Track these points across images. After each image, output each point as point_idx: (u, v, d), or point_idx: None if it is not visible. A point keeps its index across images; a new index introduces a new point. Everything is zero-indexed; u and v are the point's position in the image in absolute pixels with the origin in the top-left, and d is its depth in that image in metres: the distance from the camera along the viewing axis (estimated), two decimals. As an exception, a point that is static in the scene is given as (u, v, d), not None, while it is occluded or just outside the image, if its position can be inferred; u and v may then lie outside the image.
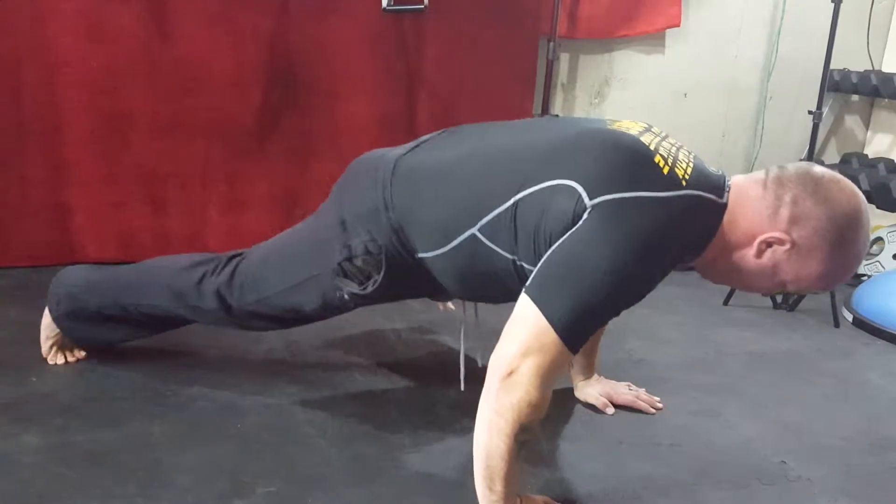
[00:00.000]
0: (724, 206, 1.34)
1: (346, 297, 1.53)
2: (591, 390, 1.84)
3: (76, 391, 1.70)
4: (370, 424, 1.66)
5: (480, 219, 1.38)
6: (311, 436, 1.60)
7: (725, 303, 2.65)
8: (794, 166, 1.35)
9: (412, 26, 2.71)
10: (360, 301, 1.55)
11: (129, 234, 2.53)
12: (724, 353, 2.26)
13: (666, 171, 1.29)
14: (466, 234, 1.40)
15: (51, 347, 1.82)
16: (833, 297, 2.55)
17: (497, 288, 1.45)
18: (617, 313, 1.29)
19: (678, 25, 3.15)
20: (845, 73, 3.33)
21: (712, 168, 1.40)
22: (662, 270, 1.32)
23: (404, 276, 1.50)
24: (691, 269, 1.44)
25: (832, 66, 2.62)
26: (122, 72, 2.42)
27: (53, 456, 1.45)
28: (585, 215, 1.25)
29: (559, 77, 3.11)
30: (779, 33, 3.34)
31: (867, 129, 3.69)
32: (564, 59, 3.09)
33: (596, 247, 1.23)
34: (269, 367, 1.89)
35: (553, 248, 1.26)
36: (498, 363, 1.22)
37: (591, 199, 1.25)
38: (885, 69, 3.46)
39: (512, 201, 1.34)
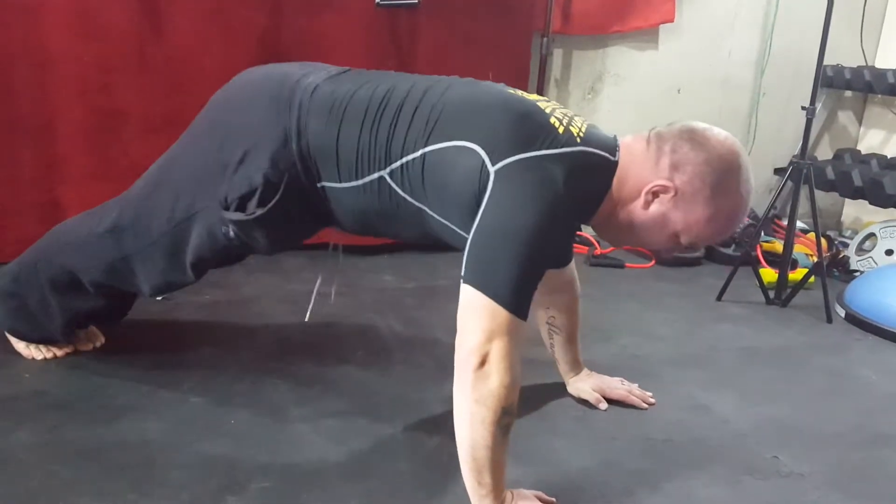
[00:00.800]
0: (616, 163, 1.42)
1: (231, 233, 1.53)
2: (584, 385, 1.84)
3: (69, 388, 1.70)
4: (363, 420, 1.66)
5: (390, 163, 1.43)
6: (304, 432, 1.60)
7: (718, 298, 2.66)
8: (673, 124, 1.42)
9: (405, 22, 2.70)
10: (245, 238, 1.54)
11: (122, 231, 2.52)
12: (717, 348, 2.26)
13: (561, 130, 1.37)
14: (375, 174, 1.45)
15: (26, 346, 1.82)
16: (826, 292, 2.56)
17: (392, 227, 1.54)
18: (547, 267, 1.38)
19: (672, 21, 3.16)
20: (838, 69, 3.34)
21: (605, 131, 1.47)
22: (571, 221, 1.43)
23: (297, 207, 1.51)
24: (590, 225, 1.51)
25: (825, 62, 2.62)
26: (114, 68, 2.40)
27: (46, 453, 1.45)
28: (490, 183, 1.31)
29: (553, 72, 3.11)
30: (772, 29, 3.35)
31: (860, 124, 3.71)
32: (558, 54, 3.10)
33: (507, 213, 1.29)
34: (261, 363, 1.89)
35: (473, 230, 1.31)
36: (466, 356, 1.25)
37: (493, 164, 1.31)
38: (879, 65, 3.47)
39: (420, 153, 1.40)
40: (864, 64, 3.44)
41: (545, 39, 2.87)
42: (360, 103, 1.46)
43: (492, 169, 1.31)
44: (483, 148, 1.33)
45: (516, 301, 1.26)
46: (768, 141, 3.48)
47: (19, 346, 1.81)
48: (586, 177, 1.37)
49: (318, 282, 1.87)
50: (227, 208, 1.51)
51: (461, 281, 1.29)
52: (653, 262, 2.96)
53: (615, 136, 1.46)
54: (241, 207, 1.50)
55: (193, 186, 1.57)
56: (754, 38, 3.38)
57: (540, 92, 2.91)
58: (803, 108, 2.61)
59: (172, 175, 1.63)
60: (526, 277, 1.28)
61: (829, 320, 2.56)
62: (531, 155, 1.32)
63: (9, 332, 1.82)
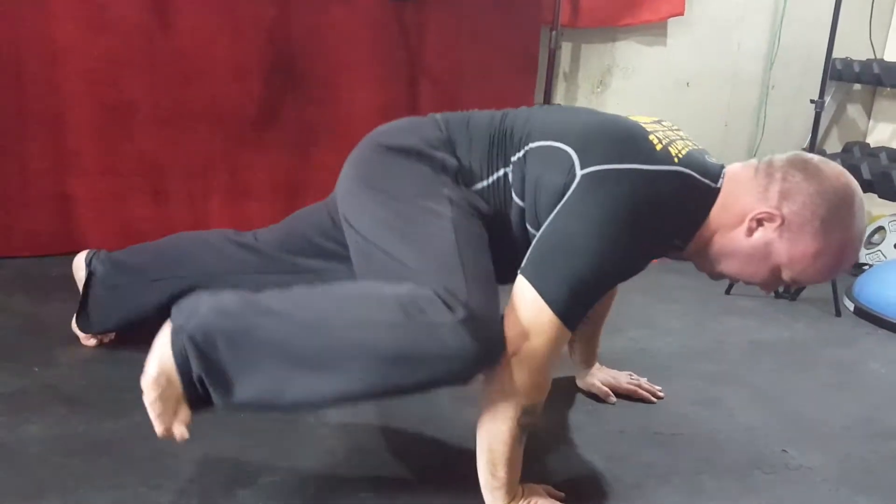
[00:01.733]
0: (718, 190, 1.34)
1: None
2: (593, 379, 1.84)
3: (79, 382, 1.70)
4: (372, 414, 1.67)
5: (508, 160, 1.39)
6: (313, 426, 1.60)
7: (727, 292, 2.65)
8: (786, 154, 1.36)
9: (414, 15, 2.70)
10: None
11: (131, 225, 2.53)
12: (726, 342, 2.26)
13: (659, 148, 1.31)
14: (500, 171, 1.40)
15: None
16: (834, 286, 2.55)
17: (504, 251, 1.39)
18: (611, 287, 1.32)
19: (681, 14, 3.14)
20: (847, 62, 3.32)
21: (713, 158, 1.40)
22: (653, 244, 1.32)
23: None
24: (684, 259, 1.43)
25: (834, 55, 2.61)
26: (123, 61, 2.41)
27: (56, 446, 1.46)
28: (574, 185, 1.27)
29: (561, 66, 3.10)
30: (781, 22, 3.33)
31: (869, 118, 3.69)
32: (566, 48, 3.09)
33: (584, 220, 1.24)
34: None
35: (544, 226, 1.28)
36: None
37: (581, 168, 1.28)
38: (888, 58, 3.45)
39: (523, 150, 1.38)
40: (873, 57, 3.41)
41: (553, 33, 2.86)
42: (483, 117, 1.49)
43: (579, 172, 1.28)
44: (575, 150, 1.30)
45: (567, 310, 1.22)
46: (777, 134, 3.46)
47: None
48: (680, 200, 1.30)
49: None
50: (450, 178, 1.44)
51: (519, 271, 1.26)
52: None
53: (721, 165, 1.38)
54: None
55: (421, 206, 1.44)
56: (763, 31, 3.36)
57: (548, 86, 2.90)
58: (812, 101, 2.60)
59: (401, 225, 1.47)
60: (586, 290, 1.24)
61: (838, 314, 2.55)
62: (621, 167, 1.26)
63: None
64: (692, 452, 1.62)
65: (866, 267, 2.99)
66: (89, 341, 1.85)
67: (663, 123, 1.42)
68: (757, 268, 1.34)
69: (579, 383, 1.86)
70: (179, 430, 1.24)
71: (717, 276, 1.43)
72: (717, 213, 1.33)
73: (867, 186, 3.10)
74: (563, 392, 1.84)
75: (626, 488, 1.47)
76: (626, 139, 1.31)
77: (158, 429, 1.24)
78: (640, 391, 1.83)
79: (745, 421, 1.78)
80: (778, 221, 1.29)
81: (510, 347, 1.21)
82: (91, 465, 1.40)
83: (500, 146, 1.41)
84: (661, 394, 1.85)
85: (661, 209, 1.27)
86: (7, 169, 2.36)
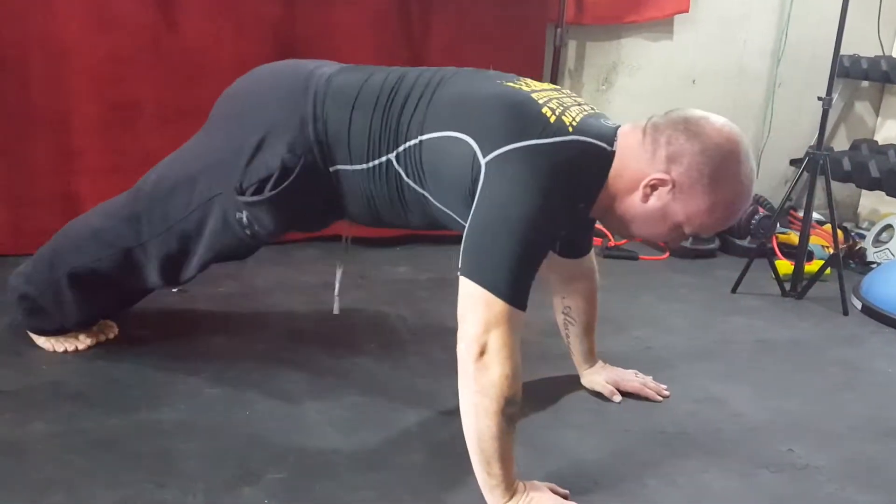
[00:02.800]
0: (612, 153, 1.40)
1: (244, 219, 1.56)
2: (598, 378, 1.84)
3: (85, 379, 1.71)
4: (376, 411, 1.67)
5: (397, 147, 1.46)
6: (318, 423, 1.61)
7: (733, 290, 2.64)
8: (671, 112, 1.41)
9: (418, 13, 2.70)
10: (255, 224, 1.57)
11: (137, 223, 2.54)
12: (732, 340, 2.25)
13: (553, 119, 1.36)
14: (384, 157, 1.48)
15: (46, 340, 1.83)
16: (842, 284, 2.54)
17: (399, 215, 1.56)
18: (543, 255, 1.37)
19: (687, 11, 3.13)
20: (855, 59, 3.31)
21: (608, 121, 1.45)
22: (565, 209, 1.38)
23: (310, 189, 1.53)
24: (593, 219, 1.54)
25: (842, 52, 2.59)
26: (129, 60, 2.41)
27: (62, 443, 1.46)
28: (482, 175, 1.33)
29: (566, 63, 3.10)
30: (788, 19, 3.31)
31: (877, 115, 3.67)
32: (572, 45, 3.08)
33: (499, 204, 1.30)
34: (275, 354, 1.90)
35: (468, 224, 1.32)
36: (466, 347, 1.27)
37: (484, 156, 1.33)
38: (896, 55, 3.44)
39: (418, 139, 1.43)
40: (881, 54, 3.40)
41: (559, 30, 2.85)
42: (372, 89, 1.51)
43: (483, 160, 1.33)
44: (474, 139, 1.35)
45: (512, 291, 1.27)
46: (784, 132, 3.45)
47: (40, 340, 1.83)
48: (578, 166, 1.36)
49: (340, 273, 1.89)
50: (242, 193, 1.53)
51: (458, 273, 1.30)
52: (667, 254, 2.94)
53: (615, 126, 1.44)
54: (257, 192, 1.52)
55: (210, 174, 1.59)
56: (770, 28, 3.35)
57: (553, 83, 2.90)
58: (819, 98, 2.58)
59: (189, 165, 1.65)
60: (521, 267, 1.29)
61: (846, 312, 2.54)
62: (520, 145, 1.32)
63: (29, 330, 1.83)
64: (697, 451, 1.62)
65: (874, 265, 2.98)
66: (82, 343, 1.85)
67: (561, 90, 1.48)
68: (658, 228, 1.43)
69: (584, 382, 1.86)
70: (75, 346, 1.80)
71: (625, 236, 1.53)
72: (613, 178, 1.40)
73: (875, 184, 3.09)
74: (568, 390, 1.84)
75: (630, 487, 1.47)
76: (520, 116, 1.36)
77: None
78: (646, 390, 1.83)
79: (750, 420, 1.78)
80: (669, 185, 1.36)
81: (477, 346, 1.25)
82: (97, 462, 1.41)
83: (385, 132, 1.47)
84: (666, 392, 1.85)
85: (563, 176, 1.33)
86: (13, 167, 2.37)
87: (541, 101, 1.40)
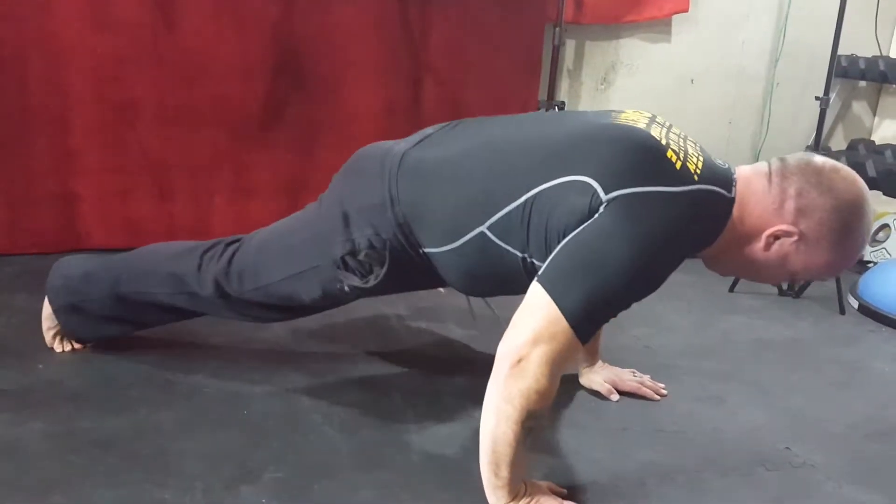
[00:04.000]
0: (733, 200, 1.35)
1: (346, 289, 1.52)
2: (596, 377, 1.84)
3: (83, 378, 1.71)
4: (375, 411, 1.67)
5: (490, 217, 1.38)
6: (316, 423, 1.61)
7: (731, 290, 2.65)
8: (795, 157, 1.37)
9: (418, 13, 2.70)
10: (361, 293, 1.54)
11: (136, 223, 2.54)
12: (730, 339, 2.26)
13: (679, 165, 1.30)
14: (475, 231, 1.39)
15: (54, 336, 1.82)
16: (839, 284, 2.54)
17: (504, 285, 1.47)
18: (628, 306, 1.30)
19: (686, 11, 3.13)
20: (853, 59, 3.31)
21: (718, 161, 1.40)
22: (676, 262, 1.33)
23: (407, 270, 1.50)
24: (697, 258, 1.45)
25: (840, 52, 2.60)
26: (128, 60, 2.41)
27: (60, 443, 1.46)
28: (602, 209, 1.26)
29: (565, 63, 3.10)
30: (786, 19, 3.32)
31: (874, 115, 3.67)
32: (570, 45, 3.08)
33: (612, 240, 1.24)
34: (274, 354, 1.90)
35: (567, 238, 1.27)
36: (507, 350, 1.22)
37: (606, 193, 1.26)
38: (893, 55, 3.44)
39: (523, 199, 1.34)
40: (878, 54, 3.40)
41: (557, 30, 2.85)
42: (450, 160, 1.44)
43: (604, 197, 1.26)
44: (595, 179, 1.27)
45: (583, 322, 1.22)
46: (782, 131, 3.45)
47: (48, 334, 1.82)
48: (702, 216, 1.32)
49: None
50: (340, 267, 1.50)
51: (535, 279, 1.26)
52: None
53: (730, 168, 1.39)
54: (350, 268, 1.49)
55: (310, 247, 1.55)
56: (768, 27, 3.35)
57: (552, 83, 2.90)
58: (817, 98, 2.59)
59: (294, 236, 1.60)
60: (603, 306, 1.25)
61: (843, 312, 2.54)
62: (647, 190, 1.26)
63: (57, 323, 1.80)
64: (695, 450, 1.62)
65: (871, 265, 2.98)
66: (79, 344, 1.84)
67: (658, 121, 1.42)
68: (773, 274, 1.42)
69: (582, 381, 1.86)
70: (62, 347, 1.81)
71: (728, 276, 1.51)
72: (734, 224, 1.35)
73: (872, 184, 3.09)
74: (566, 389, 1.84)
75: (628, 486, 1.47)
76: (646, 158, 1.30)
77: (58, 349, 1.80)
78: (644, 389, 1.83)
79: (748, 419, 1.78)
80: (795, 237, 1.33)
81: (519, 351, 1.21)
82: (95, 462, 1.41)
83: (472, 205, 1.39)
84: (664, 391, 1.85)
85: (686, 229, 1.29)
86: (12, 167, 2.37)
87: (663, 142, 1.33)
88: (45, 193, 2.42)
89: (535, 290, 1.24)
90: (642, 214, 1.25)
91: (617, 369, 1.88)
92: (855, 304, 2.59)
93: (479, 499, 1.33)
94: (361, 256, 1.48)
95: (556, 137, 1.39)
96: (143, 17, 2.40)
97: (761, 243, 1.35)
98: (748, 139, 3.45)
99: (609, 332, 1.88)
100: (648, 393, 1.83)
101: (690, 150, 1.36)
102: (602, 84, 3.18)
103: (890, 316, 2.45)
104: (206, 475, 1.40)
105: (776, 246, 1.35)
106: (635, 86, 3.20)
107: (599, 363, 1.87)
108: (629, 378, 1.85)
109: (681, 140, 1.38)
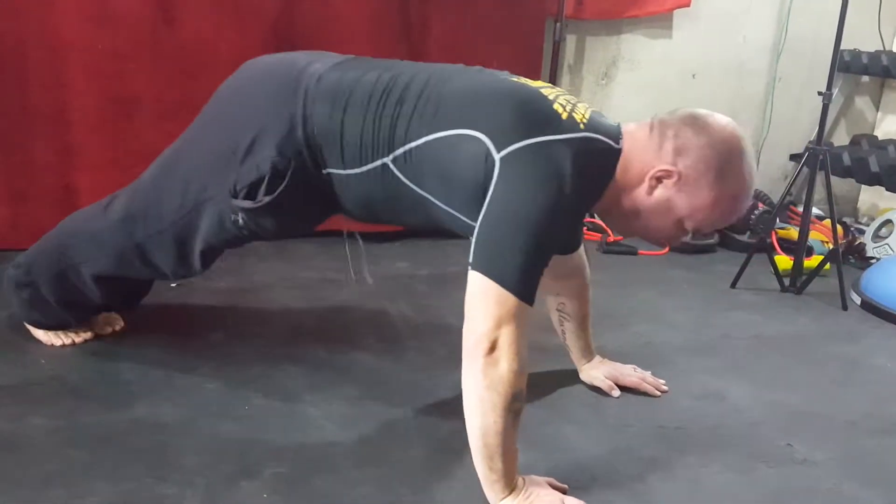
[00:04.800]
0: (619, 150, 1.41)
1: (240, 221, 1.54)
2: (597, 373, 1.84)
3: (84, 373, 1.71)
4: (375, 406, 1.67)
5: (393, 150, 1.43)
6: (317, 417, 1.61)
7: (733, 286, 2.64)
8: (677, 110, 1.42)
9: (418, 7, 2.69)
10: (253, 226, 1.54)
11: (136, 218, 2.54)
12: (731, 336, 2.25)
13: (565, 116, 1.37)
14: (379, 161, 1.45)
15: (45, 333, 1.83)
16: (841, 280, 2.54)
17: (395, 215, 1.56)
18: (552, 253, 1.36)
19: (687, 6, 3.13)
20: (856, 54, 3.30)
21: (609, 119, 1.46)
22: (577, 205, 1.38)
23: (305, 195, 1.52)
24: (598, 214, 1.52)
25: (842, 47, 2.59)
26: (128, 55, 2.41)
27: (62, 437, 1.47)
28: (496, 170, 1.31)
29: (566, 58, 3.09)
30: (788, 14, 3.31)
31: (877, 110, 3.67)
32: (571, 40, 3.08)
33: (515, 200, 1.29)
34: (275, 350, 1.90)
35: (481, 219, 1.31)
36: (475, 342, 1.25)
37: (498, 152, 1.31)
38: (896, 50, 3.43)
39: (423, 140, 1.40)
40: (881, 49, 3.39)
41: (558, 25, 2.85)
42: (364, 90, 1.47)
43: (497, 156, 1.31)
44: (487, 135, 1.33)
45: (524, 287, 1.27)
46: (784, 127, 3.45)
47: (38, 333, 1.83)
48: (590, 163, 1.36)
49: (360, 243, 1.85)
50: (235, 196, 1.51)
51: (469, 268, 1.29)
52: (666, 248, 2.94)
53: (619, 124, 1.45)
54: (249, 195, 1.50)
55: (203, 175, 1.57)
56: (770, 22, 3.34)
57: (553, 78, 2.90)
58: (820, 93, 2.58)
59: (182, 164, 1.64)
60: (533, 263, 1.28)
61: (845, 308, 2.54)
62: (536, 141, 1.31)
63: (27, 322, 1.83)
64: (696, 446, 1.62)
65: (873, 261, 2.98)
66: (79, 337, 1.85)
67: (557, 89, 1.48)
68: (661, 222, 1.43)
69: (583, 377, 1.86)
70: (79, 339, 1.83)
71: (627, 233, 1.53)
72: (620, 173, 1.41)
73: (875, 179, 3.09)
74: (566, 385, 1.84)
75: (629, 482, 1.47)
76: (533, 111, 1.36)
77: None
78: (644, 385, 1.83)
79: (749, 415, 1.78)
80: (675, 177, 1.37)
81: (487, 341, 1.24)
82: (96, 457, 1.41)
83: (379, 135, 1.44)
84: (665, 387, 1.85)
85: (577, 174, 1.32)
86: (12, 162, 2.37)
87: (551, 98, 1.39)
88: (45, 189, 2.42)
89: (475, 278, 1.28)
90: (533, 164, 1.31)
91: (618, 365, 1.87)
92: (857, 300, 2.58)
93: (478, 493, 1.33)
94: (265, 183, 1.48)
95: (462, 91, 1.43)
96: (143, 11, 2.39)
97: (644, 186, 1.39)
98: (750, 134, 3.44)
99: (610, 328, 1.88)
100: (649, 389, 1.83)
101: (580, 107, 1.42)
102: (603, 79, 3.18)
103: (892, 312, 2.45)
104: (207, 470, 1.40)
105: (659, 189, 1.38)
106: (636, 81, 3.20)
107: (599, 358, 1.87)
108: (630, 374, 1.85)
109: (573, 100, 1.44)
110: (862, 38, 3.34)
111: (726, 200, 1.38)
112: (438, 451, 1.52)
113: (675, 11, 3.15)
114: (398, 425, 1.61)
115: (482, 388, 1.25)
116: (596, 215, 1.52)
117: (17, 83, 2.31)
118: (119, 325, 1.91)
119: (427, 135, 1.40)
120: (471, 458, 1.32)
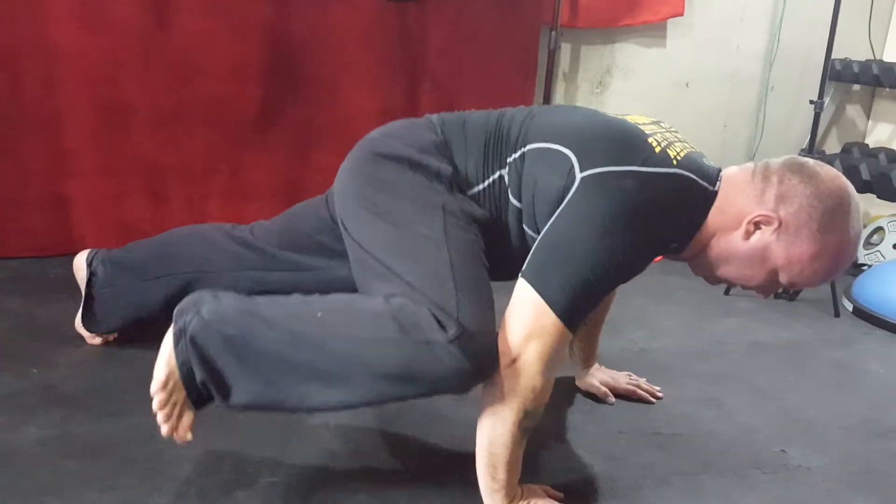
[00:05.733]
0: (715, 193, 1.34)
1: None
2: (592, 379, 1.84)
3: (77, 383, 1.70)
4: (371, 415, 1.67)
5: (504, 162, 1.40)
6: (313, 427, 1.60)
7: (726, 293, 2.65)
8: (781, 158, 1.36)
9: (413, 15, 2.70)
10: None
11: (129, 226, 2.53)
12: (725, 342, 2.26)
13: (658, 150, 1.31)
14: (496, 174, 1.40)
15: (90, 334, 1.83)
16: (833, 286, 2.55)
17: (501, 251, 1.41)
18: (612, 288, 1.32)
19: (681, 14, 3.14)
20: (847, 63, 3.32)
21: (710, 161, 1.40)
22: (653, 246, 1.32)
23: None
24: (682, 260, 1.43)
25: (834, 56, 2.61)
26: (121, 62, 2.41)
27: (55, 447, 1.46)
28: (574, 188, 1.27)
29: (561, 67, 3.10)
30: (780, 23, 3.33)
31: (868, 118, 3.69)
32: (566, 48, 3.08)
33: (585, 222, 1.24)
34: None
35: (545, 228, 1.28)
36: (502, 350, 1.22)
37: (581, 171, 1.28)
38: (887, 58, 3.46)
39: (520, 152, 1.38)
40: (872, 58, 3.42)
41: (553, 33, 2.86)
42: (480, 118, 1.47)
43: (579, 174, 1.27)
44: (574, 154, 1.30)
45: (569, 310, 1.22)
46: (776, 135, 3.46)
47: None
48: (679, 203, 1.30)
49: None
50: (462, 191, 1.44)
51: (520, 274, 1.26)
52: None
53: (718, 168, 1.39)
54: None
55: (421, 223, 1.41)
56: (763, 31, 3.36)
57: (548, 86, 2.90)
58: (811, 101, 2.60)
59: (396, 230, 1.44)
60: (587, 291, 1.24)
61: (837, 314, 2.55)
62: (620, 169, 1.26)
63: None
64: (691, 453, 1.62)
65: (865, 267, 2.99)
66: (94, 340, 1.85)
67: (662, 125, 1.43)
68: (754, 271, 1.35)
69: (578, 383, 1.86)
70: (183, 433, 1.30)
71: (714, 280, 1.44)
72: (715, 216, 1.34)
73: (866, 187, 3.10)
74: (562, 392, 1.84)
75: (625, 489, 1.47)
76: (624, 141, 1.31)
77: (165, 431, 1.28)
78: (640, 391, 1.83)
79: (744, 421, 1.78)
80: (775, 224, 1.29)
81: (512, 351, 1.21)
82: (90, 467, 1.40)
83: (496, 147, 1.41)
84: (660, 394, 1.85)
85: (660, 211, 1.27)
86: (5, 169, 2.36)
87: (647, 131, 1.35)
88: (37, 196, 2.41)
89: (521, 286, 1.25)
90: (612, 192, 1.25)
91: (613, 372, 1.88)
92: (849, 306, 2.59)
93: (476, 502, 1.32)
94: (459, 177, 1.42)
95: (558, 118, 1.42)
96: (136, 18, 2.39)
97: (741, 231, 1.31)
98: (743, 142, 3.46)
99: (605, 335, 1.88)
100: (645, 396, 1.83)
101: (677, 144, 1.36)
102: (598, 88, 3.19)
103: (884, 318, 2.46)
104: (202, 479, 1.39)
105: (756, 235, 1.31)
106: (631, 89, 3.21)
107: (596, 365, 1.87)
108: (625, 381, 1.85)
109: (671, 135, 1.38)
110: (853, 48, 3.36)
111: (827, 255, 1.29)
112: (436, 460, 1.52)
113: (669, 20, 3.16)
114: (395, 435, 1.60)
115: (496, 398, 1.23)
116: (686, 263, 1.44)
117: (11, 89, 2.30)
118: (113, 335, 1.90)
119: (528, 145, 1.37)
120: (469, 467, 1.32)
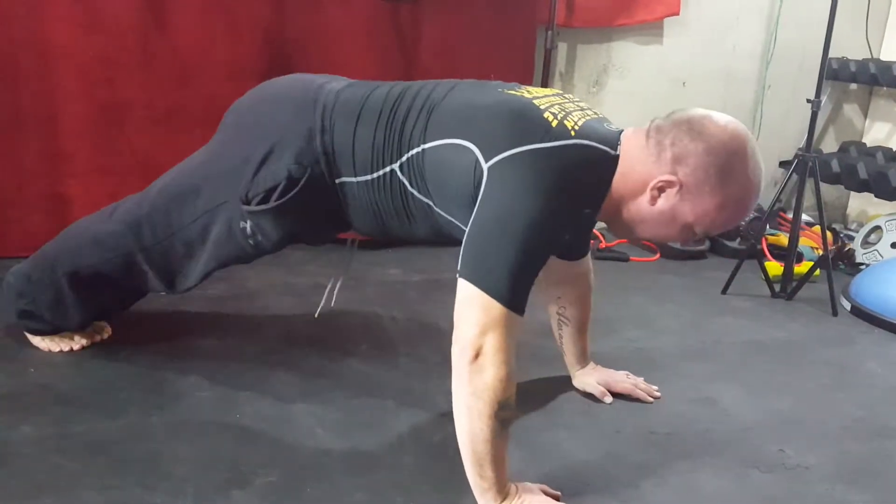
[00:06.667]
0: (616, 157, 1.40)
1: (248, 229, 1.58)
2: (589, 379, 1.84)
3: (74, 382, 1.70)
4: (368, 414, 1.67)
5: (400, 157, 1.47)
6: (309, 426, 1.60)
7: (723, 292, 2.65)
8: (673, 113, 1.41)
9: (409, 15, 2.70)
10: (259, 233, 1.58)
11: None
12: (722, 341, 2.26)
13: (554, 124, 1.36)
14: (388, 168, 1.48)
15: (41, 339, 1.82)
16: (831, 285, 2.55)
17: (404, 226, 1.55)
18: (545, 260, 1.36)
19: (677, 14, 3.14)
20: (844, 62, 3.33)
21: (611, 126, 1.46)
22: (570, 213, 1.38)
23: (315, 201, 1.54)
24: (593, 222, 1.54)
25: (831, 55, 2.61)
26: (118, 62, 2.40)
27: (51, 446, 1.45)
28: (485, 179, 1.33)
29: (557, 66, 3.10)
30: (777, 22, 3.33)
31: (865, 117, 3.69)
32: (562, 47, 3.09)
33: (500, 207, 1.30)
34: (266, 357, 1.89)
35: (469, 227, 1.33)
36: (461, 349, 1.26)
37: (486, 161, 1.33)
38: (884, 57, 3.46)
39: (421, 148, 1.44)
40: (869, 56, 3.42)
41: (549, 33, 2.86)
42: (375, 102, 1.52)
43: (485, 166, 1.33)
44: (476, 146, 1.35)
45: (511, 295, 1.26)
46: (773, 134, 3.46)
47: (35, 340, 1.83)
48: (582, 170, 1.35)
49: (336, 281, 1.90)
50: (248, 203, 1.55)
51: (457, 275, 1.30)
52: (657, 255, 2.95)
53: (618, 131, 1.44)
54: (262, 202, 1.54)
55: (216, 183, 1.61)
56: (759, 30, 3.36)
57: (544, 85, 2.90)
58: (808, 100, 2.60)
59: (195, 174, 1.66)
60: (521, 271, 1.28)
61: (835, 313, 2.55)
62: (521, 150, 1.31)
63: (26, 331, 1.83)
64: (688, 452, 1.62)
65: (863, 266, 2.99)
66: (76, 343, 1.84)
67: (565, 96, 1.49)
68: (668, 229, 1.43)
69: (575, 383, 1.86)
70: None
71: (635, 240, 1.54)
72: (619, 182, 1.40)
73: (863, 186, 3.11)
74: (559, 392, 1.84)
75: (622, 488, 1.47)
76: (521, 121, 1.36)
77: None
78: (637, 391, 1.83)
79: (741, 420, 1.78)
80: (677, 187, 1.35)
81: (472, 348, 1.25)
82: (86, 466, 1.40)
83: (388, 141, 1.48)
84: (657, 393, 1.85)
85: (567, 181, 1.32)
86: (1, 169, 2.35)
87: (542, 107, 1.39)
88: (35, 195, 2.41)
89: (462, 286, 1.29)
90: (520, 173, 1.30)
91: (610, 371, 1.88)
92: (847, 305, 2.59)
93: (471, 501, 1.33)
94: (279, 189, 1.52)
95: (458, 103, 1.46)
96: (133, 18, 2.39)
97: (647, 197, 1.38)
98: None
99: (602, 334, 1.89)
100: (642, 395, 1.83)
101: (575, 112, 1.42)
102: (594, 87, 3.19)
103: (882, 317, 2.46)
104: (198, 479, 1.39)
105: (662, 200, 1.37)
106: (627, 88, 3.21)
107: (592, 365, 1.87)
108: (623, 380, 1.85)
109: (572, 104, 1.44)
110: (850, 47, 3.37)
111: (732, 203, 1.36)
112: (431, 458, 1.52)
113: (666, 20, 3.16)
114: (391, 432, 1.60)
115: (468, 396, 1.26)
116: (604, 223, 1.51)
117: (8, 89, 2.30)
118: (107, 332, 1.90)
119: (426, 142, 1.43)
120: (464, 465, 1.32)
